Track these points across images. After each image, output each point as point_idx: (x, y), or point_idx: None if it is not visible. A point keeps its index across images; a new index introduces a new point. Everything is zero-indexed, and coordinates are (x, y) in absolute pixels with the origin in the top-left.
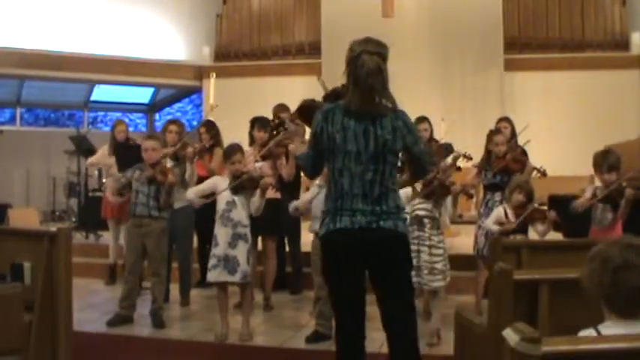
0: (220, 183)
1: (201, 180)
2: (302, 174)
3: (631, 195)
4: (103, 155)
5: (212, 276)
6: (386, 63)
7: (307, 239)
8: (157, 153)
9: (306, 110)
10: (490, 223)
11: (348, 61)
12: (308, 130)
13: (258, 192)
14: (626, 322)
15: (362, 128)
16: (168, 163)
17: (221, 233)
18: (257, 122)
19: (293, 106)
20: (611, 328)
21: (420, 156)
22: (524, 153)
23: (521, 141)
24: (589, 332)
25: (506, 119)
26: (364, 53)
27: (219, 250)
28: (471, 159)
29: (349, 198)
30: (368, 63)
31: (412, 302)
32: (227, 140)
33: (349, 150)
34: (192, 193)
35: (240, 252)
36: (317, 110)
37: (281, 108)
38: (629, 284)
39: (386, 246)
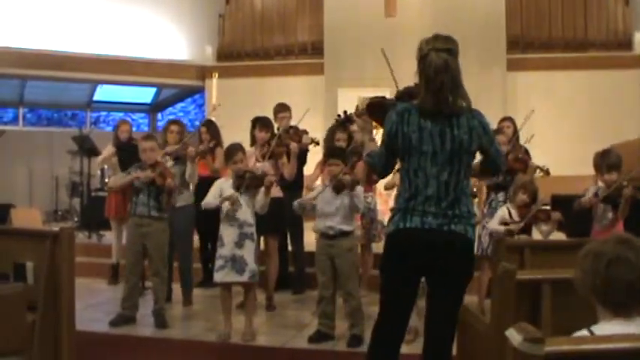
0: (224, 185)
1: (203, 180)
2: (304, 173)
3: (628, 195)
4: (110, 153)
5: (219, 277)
6: (456, 58)
7: (310, 239)
8: (155, 153)
9: (376, 108)
10: (495, 224)
11: (418, 60)
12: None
13: (262, 190)
14: (619, 322)
15: (438, 129)
16: (169, 163)
17: (227, 233)
18: (258, 122)
19: (295, 106)
20: (604, 328)
21: (495, 157)
22: (526, 152)
23: (524, 137)
24: (582, 334)
25: (509, 119)
26: (432, 51)
27: (225, 250)
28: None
29: (422, 198)
30: (435, 61)
31: (459, 311)
32: (229, 140)
33: (425, 150)
34: (206, 205)
35: (247, 251)
36: (391, 109)
37: (281, 107)
38: (622, 278)
39: (455, 250)
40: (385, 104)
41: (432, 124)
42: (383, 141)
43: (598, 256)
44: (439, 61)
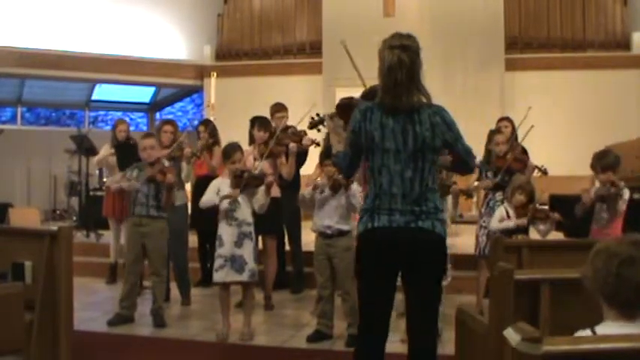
0: (222, 185)
1: (201, 178)
2: (300, 173)
3: (610, 193)
4: (107, 153)
5: (219, 276)
6: (412, 55)
7: (309, 239)
8: (155, 151)
9: (345, 108)
10: (496, 224)
11: (378, 60)
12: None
13: (262, 190)
14: (623, 323)
15: (400, 126)
16: (165, 164)
17: (226, 233)
18: (257, 121)
19: (293, 106)
20: (607, 328)
21: (463, 154)
22: (524, 151)
23: (523, 133)
24: (585, 333)
25: (507, 119)
26: (386, 49)
27: (224, 250)
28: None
29: (388, 197)
30: (387, 58)
31: (438, 306)
32: (227, 139)
33: (388, 148)
34: (204, 204)
35: (247, 251)
36: (355, 108)
37: (278, 107)
38: (633, 279)
39: (423, 247)
40: (353, 104)
41: (393, 121)
42: (347, 140)
43: (611, 256)
44: (392, 58)
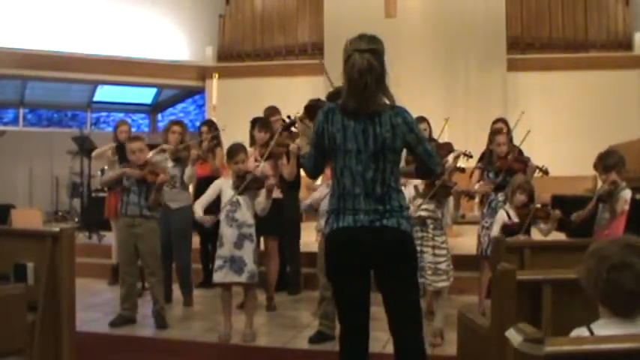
0: (223, 185)
1: (202, 179)
2: (300, 174)
3: (604, 191)
4: (107, 147)
5: (218, 277)
6: (380, 58)
7: (308, 239)
8: (143, 154)
9: (313, 110)
10: (496, 231)
11: (344, 61)
12: None
13: (263, 192)
14: (620, 321)
15: (361, 127)
16: (169, 164)
17: (227, 234)
18: (258, 122)
19: (294, 107)
20: (604, 327)
21: (424, 157)
22: (520, 153)
23: (519, 136)
24: (582, 331)
25: (502, 120)
26: (355, 52)
27: (224, 250)
28: (471, 157)
29: (351, 197)
30: (358, 62)
31: (417, 301)
32: (229, 141)
33: (349, 149)
34: (200, 206)
35: (247, 252)
36: (319, 110)
37: (272, 111)
38: (623, 285)
39: (389, 245)
40: (319, 106)
41: (354, 122)
42: (312, 141)
43: (602, 259)
44: (362, 62)
